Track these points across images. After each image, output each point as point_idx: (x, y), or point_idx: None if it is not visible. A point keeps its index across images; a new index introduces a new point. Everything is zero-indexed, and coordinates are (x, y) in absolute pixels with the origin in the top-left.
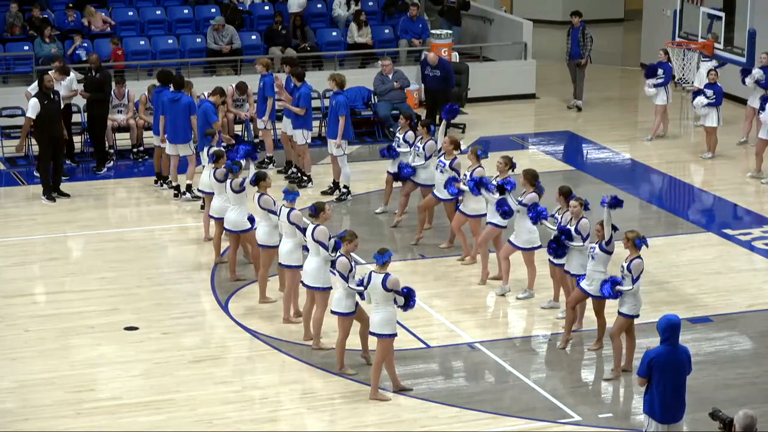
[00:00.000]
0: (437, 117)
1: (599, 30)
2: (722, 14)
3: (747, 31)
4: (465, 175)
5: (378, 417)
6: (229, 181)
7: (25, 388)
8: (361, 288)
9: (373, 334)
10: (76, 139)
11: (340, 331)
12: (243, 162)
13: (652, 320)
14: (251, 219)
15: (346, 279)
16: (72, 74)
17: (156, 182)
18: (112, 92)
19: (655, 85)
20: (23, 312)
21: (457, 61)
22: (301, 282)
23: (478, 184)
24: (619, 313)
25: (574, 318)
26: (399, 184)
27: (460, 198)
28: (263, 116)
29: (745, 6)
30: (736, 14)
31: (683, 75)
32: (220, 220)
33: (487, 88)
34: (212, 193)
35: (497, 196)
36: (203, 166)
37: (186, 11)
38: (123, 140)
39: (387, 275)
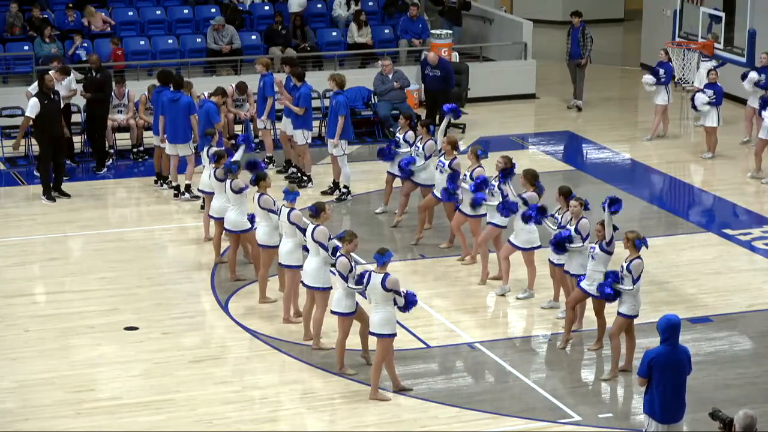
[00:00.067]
0: (437, 117)
1: (599, 30)
2: (722, 14)
3: (747, 31)
4: (465, 175)
5: (378, 417)
6: (228, 181)
7: (25, 388)
8: (361, 287)
9: (373, 334)
10: (76, 139)
11: (340, 331)
12: (240, 149)
13: (652, 320)
14: (252, 218)
15: (345, 279)
16: (72, 74)
17: (156, 182)
18: (112, 92)
19: (656, 83)
20: (23, 312)
21: (457, 61)
22: (301, 282)
23: (479, 187)
24: (619, 313)
25: (574, 318)
26: (399, 184)
27: (460, 198)
28: (262, 116)
29: (745, 6)
30: (736, 14)
31: (683, 75)
32: (220, 220)
33: (487, 88)
34: (212, 193)
35: (495, 203)
36: (203, 166)
37: (186, 11)
38: (123, 140)
39: (386, 275)
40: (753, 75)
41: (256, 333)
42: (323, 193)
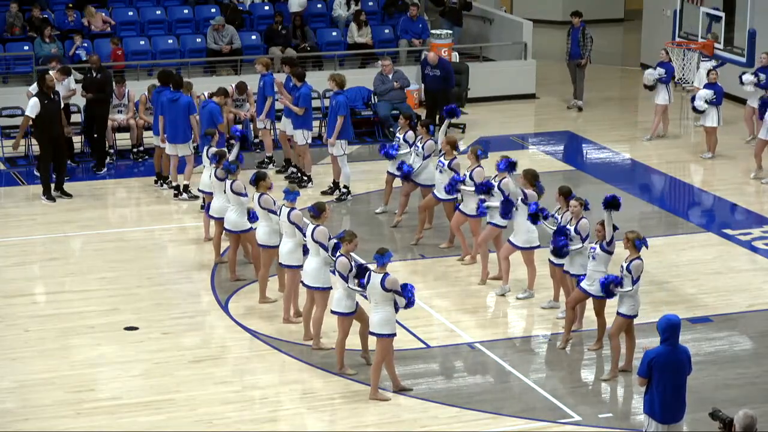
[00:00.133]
0: (437, 117)
1: (599, 30)
2: (722, 14)
3: (747, 31)
4: (465, 175)
5: (378, 417)
6: (228, 181)
7: (25, 388)
8: (362, 289)
9: (373, 333)
10: (76, 139)
11: (340, 331)
12: (235, 149)
13: (652, 320)
14: (253, 215)
15: (345, 279)
16: (72, 74)
17: (156, 182)
18: (113, 92)
19: (658, 81)
20: (23, 312)
21: (457, 61)
22: (301, 282)
23: (483, 191)
24: (618, 313)
25: (574, 318)
26: (399, 184)
27: (459, 198)
28: (261, 115)
29: (745, 6)
30: (736, 14)
31: (683, 75)
32: (220, 220)
33: (487, 88)
34: (212, 193)
35: (496, 204)
36: (203, 166)
37: (186, 11)
38: (123, 140)
39: (386, 275)
40: (747, 77)
41: (256, 333)
42: (323, 193)
